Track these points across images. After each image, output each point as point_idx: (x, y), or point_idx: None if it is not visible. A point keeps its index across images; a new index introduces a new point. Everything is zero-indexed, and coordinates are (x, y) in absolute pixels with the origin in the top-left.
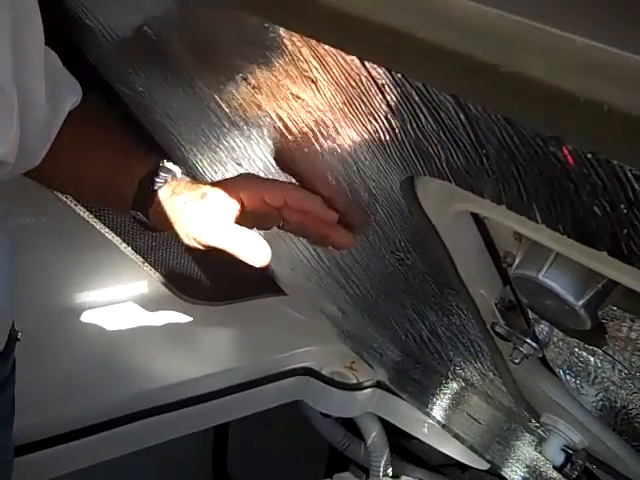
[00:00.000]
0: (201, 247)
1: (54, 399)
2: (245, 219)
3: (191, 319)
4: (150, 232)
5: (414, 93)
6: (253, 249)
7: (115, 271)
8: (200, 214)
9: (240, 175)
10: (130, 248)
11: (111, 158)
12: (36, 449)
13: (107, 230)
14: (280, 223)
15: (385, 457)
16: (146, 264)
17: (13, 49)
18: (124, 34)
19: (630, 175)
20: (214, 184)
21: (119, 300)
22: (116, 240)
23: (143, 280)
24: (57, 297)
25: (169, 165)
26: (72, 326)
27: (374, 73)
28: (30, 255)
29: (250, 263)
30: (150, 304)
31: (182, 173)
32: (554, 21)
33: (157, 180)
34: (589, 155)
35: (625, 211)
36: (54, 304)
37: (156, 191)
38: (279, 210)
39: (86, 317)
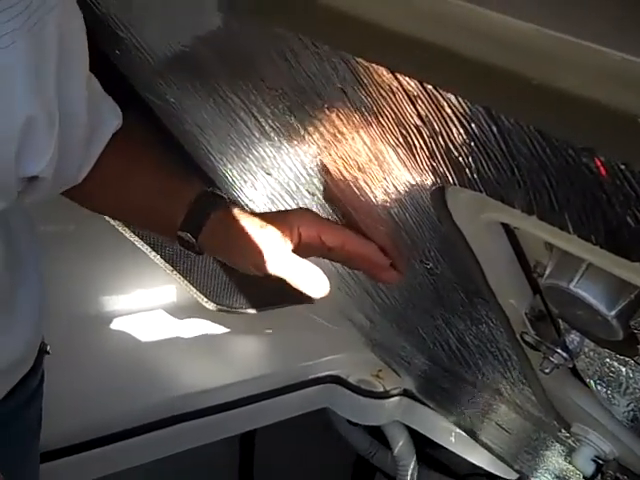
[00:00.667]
0: (259, 274)
1: (82, 406)
2: (297, 252)
3: (219, 327)
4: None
5: (446, 105)
6: (313, 281)
7: (143, 279)
8: (262, 242)
9: (299, 210)
10: (159, 256)
11: (157, 180)
12: (64, 455)
13: (136, 238)
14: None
15: (412, 466)
16: (175, 272)
17: (57, 69)
18: (156, 45)
19: None
20: (272, 215)
21: (147, 308)
22: (145, 248)
23: (172, 288)
24: (85, 306)
25: (217, 190)
26: (100, 334)
27: (406, 85)
28: (58, 264)
29: (309, 294)
30: (178, 312)
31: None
32: (587, 34)
33: (210, 203)
34: (622, 166)
35: None
36: (82, 312)
37: (209, 214)
38: (332, 249)
39: (114, 325)
